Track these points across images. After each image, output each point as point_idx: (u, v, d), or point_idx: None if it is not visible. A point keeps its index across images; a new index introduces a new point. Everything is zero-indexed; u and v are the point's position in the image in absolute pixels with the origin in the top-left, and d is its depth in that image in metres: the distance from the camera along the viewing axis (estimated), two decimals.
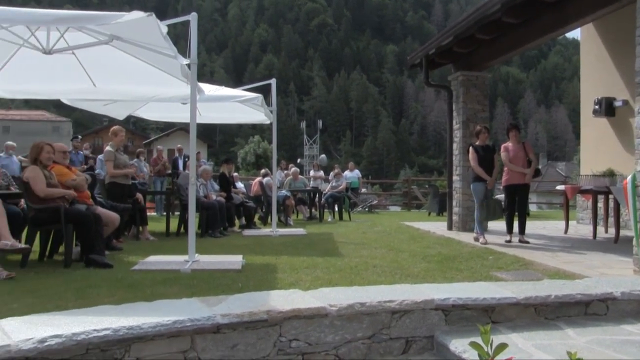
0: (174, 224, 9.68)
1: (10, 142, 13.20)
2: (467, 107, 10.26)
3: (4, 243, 5.05)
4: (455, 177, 10.54)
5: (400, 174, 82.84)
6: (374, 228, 11.04)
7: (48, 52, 6.22)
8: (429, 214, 16.56)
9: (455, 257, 6.71)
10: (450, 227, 10.52)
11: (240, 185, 13.61)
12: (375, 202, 20.26)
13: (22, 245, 5.39)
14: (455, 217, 10.46)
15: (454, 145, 10.59)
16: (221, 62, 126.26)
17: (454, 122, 10.61)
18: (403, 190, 24.07)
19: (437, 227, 10.85)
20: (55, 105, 59.71)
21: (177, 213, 11.01)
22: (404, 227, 11.08)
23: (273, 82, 9.65)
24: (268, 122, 10.46)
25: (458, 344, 3.48)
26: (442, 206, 14.81)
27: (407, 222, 12.28)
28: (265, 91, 9.46)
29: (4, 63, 6.95)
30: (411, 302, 3.82)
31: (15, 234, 5.57)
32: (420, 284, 4.58)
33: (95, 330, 2.98)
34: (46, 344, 2.83)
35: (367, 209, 18.41)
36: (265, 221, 12.24)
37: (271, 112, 9.79)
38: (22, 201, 6.24)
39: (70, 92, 8.00)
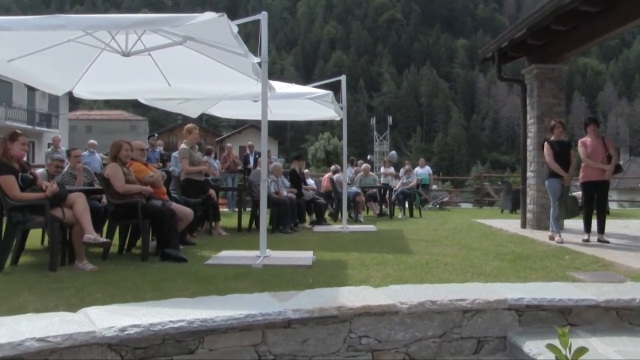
0: (245, 220, 9.85)
1: (92, 141, 13.82)
2: (542, 101, 9.93)
3: (87, 237, 5.29)
4: (529, 174, 10.23)
5: (472, 170, 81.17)
6: (445, 225, 10.88)
7: (127, 54, 6.48)
8: (502, 211, 16.15)
9: (529, 256, 6.52)
10: (524, 225, 10.22)
11: (310, 181, 13.70)
12: (446, 198, 19.93)
13: (104, 239, 5.63)
14: (529, 215, 10.16)
15: (528, 141, 10.28)
16: (291, 59, 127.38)
17: (528, 116, 10.29)
18: (475, 186, 23.62)
19: (510, 224, 10.57)
20: (133, 105, 61.97)
21: (248, 209, 11.19)
22: (475, 225, 10.87)
23: (343, 78, 9.67)
24: (338, 118, 10.48)
25: (532, 346, 3.39)
26: (515, 203, 14.42)
27: (479, 220, 12.03)
28: (335, 88, 9.49)
29: (88, 67, 7.31)
30: (483, 302, 3.75)
31: (97, 228, 5.84)
32: (492, 283, 4.49)
33: (171, 321, 3.09)
34: (126, 332, 2.96)
35: (437, 206, 18.14)
36: (335, 217, 12.29)
37: (341, 108, 9.81)
38: (104, 197, 6.52)
39: (147, 92, 8.31)
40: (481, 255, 6.60)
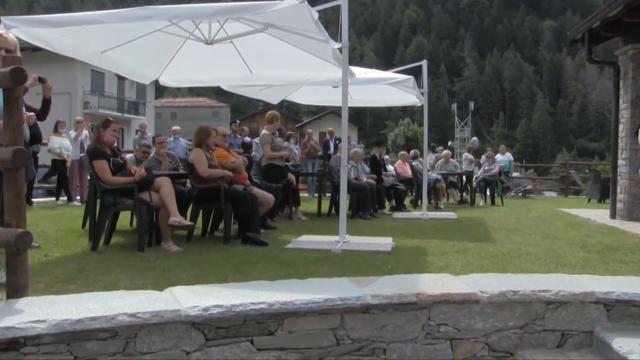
0: (325, 205, 9.91)
1: (176, 127, 14.29)
2: (637, 85, 9.36)
3: (173, 220, 5.49)
4: (620, 161, 9.71)
5: (557, 157, 77.90)
6: (528, 214, 10.55)
7: (210, 42, 6.65)
8: (589, 200, 15.49)
9: (619, 248, 6.20)
10: (613, 216, 9.74)
11: (390, 168, 13.63)
12: (529, 186, 19.29)
13: (188, 222, 5.81)
14: (619, 205, 9.66)
15: (620, 127, 9.75)
16: (371, 45, 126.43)
17: (621, 101, 9.75)
18: (560, 174, 22.66)
19: (598, 214, 10.11)
20: (216, 92, 63.62)
21: (328, 194, 11.27)
22: (560, 214, 10.47)
23: (424, 63, 9.51)
24: (419, 104, 10.34)
25: (623, 343, 3.23)
26: (604, 193, 13.81)
27: (564, 209, 11.58)
28: (415, 73, 9.35)
29: (173, 56, 7.55)
30: (568, 294, 3.60)
31: (182, 211, 6.03)
32: (578, 275, 4.30)
33: (252, 303, 3.15)
34: (209, 312, 3.05)
35: (520, 194, 17.60)
36: (415, 204, 12.16)
37: (422, 94, 9.67)
38: (188, 181, 6.74)
39: (229, 79, 8.49)
40: (566, 245, 6.35)
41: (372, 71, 9.37)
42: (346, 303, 3.29)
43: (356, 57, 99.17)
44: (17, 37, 4.57)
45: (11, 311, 2.99)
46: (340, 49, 5.98)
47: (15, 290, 3.30)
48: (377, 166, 11.05)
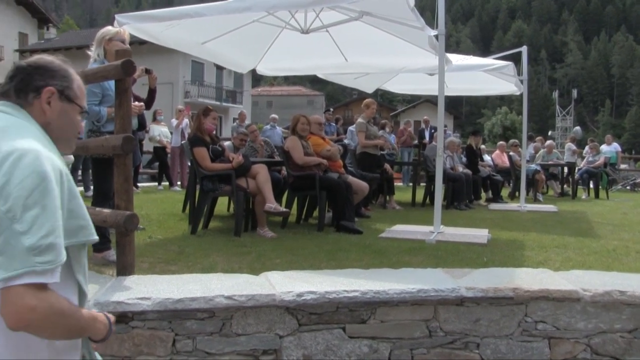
0: (419, 195, 9.80)
1: (273, 115, 14.57)
2: None
3: (269, 206, 5.61)
4: None
5: None
6: (637, 209, 9.93)
7: (305, 31, 6.71)
8: None
9: None
10: None
11: (487, 158, 13.25)
12: (639, 180, 18.13)
13: (283, 208, 5.92)
14: None
15: None
16: (467, 31, 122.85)
17: None
18: None
19: None
20: (311, 81, 64.29)
21: (422, 184, 11.13)
22: None
23: (524, 49, 9.14)
24: (518, 92, 9.97)
25: None
26: None
27: None
28: (514, 60, 9.01)
29: (269, 45, 7.70)
30: None
31: (277, 198, 6.16)
32: None
33: (345, 290, 3.18)
34: (303, 298, 3.11)
35: (628, 187, 16.57)
36: (512, 196, 11.76)
37: (521, 81, 9.31)
38: (284, 168, 6.86)
39: (324, 67, 8.55)
40: None
41: (468, 58, 9.12)
42: (440, 295, 3.25)
43: (452, 45, 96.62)
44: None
45: (120, 287, 3.19)
46: (436, 36, 5.87)
47: (124, 268, 3.52)
48: (473, 156, 10.79)
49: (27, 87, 1.52)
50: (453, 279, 3.47)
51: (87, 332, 1.49)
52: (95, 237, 1.49)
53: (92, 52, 4.43)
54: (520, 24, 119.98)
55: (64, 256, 1.32)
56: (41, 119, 1.52)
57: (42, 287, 1.28)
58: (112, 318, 1.60)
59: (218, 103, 35.50)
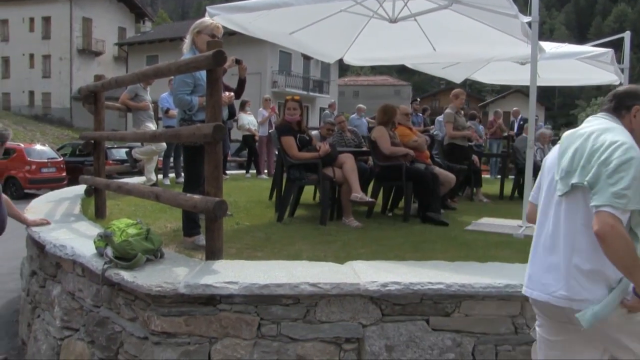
0: (507, 188, 9.53)
1: (361, 105, 14.56)
2: None
3: (355, 195, 5.62)
4: None
5: None
6: None
7: (393, 20, 6.64)
8: None
9: None
10: None
11: None
12: None
13: (369, 198, 5.92)
14: None
15: None
16: (562, 18, 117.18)
17: None
18: None
19: None
20: (397, 70, 63.61)
21: (511, 177, 10.80)
22: None
23: (626, 35, 8.62)
24: (617, 82, 9.44)
25: None
26: None
27: None
28: (614, 47, 8.53)
29: (357, 35, 7.68)
30: None
31: (363, 188, 6.16)
32: None
33: (430, 282, 3.15)
34: (387, 288, 3.10)
35: None
36: None
37: (622, 70, 8.80)
38: (370, 158, 6.84)
39: (412, 57, 8.42)
40: None
41: (563, 46, 8.72)
42: None
43: (545, 32, 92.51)
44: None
45: (209, 271, 3.31)
46: (529, 23, 5.65)
47: (213, 252, 3.64)
48: None
49: (620, 105, 2.39)
50: None
51: (635, 276, 2.07)
52: None
53: (185, 44, 4.57)
54: (622, 8, 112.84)
55: (630, 206, 2.06)
56: (628, 126, 2.34)
57: (616, 218, 2.04)
58: None
59: (305, 93, 35.88)
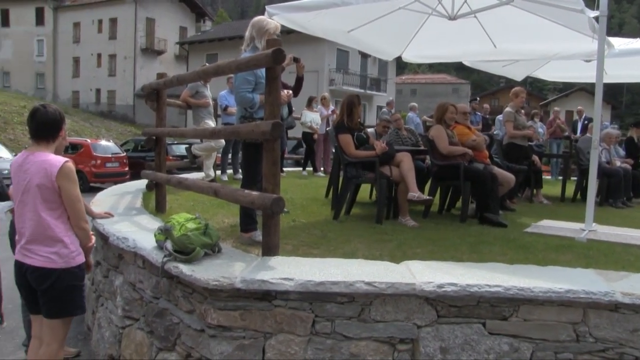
0: (569, 189, 9.25)
1: (413, 104, 14.46)
2: None
3: (411, 194, 5.58)
4: None
5: None
6: None
7: (452, 17, 6.55)
8: None
9: None
10: None
11: None
12: None
13: (426, 197, 5.86)
14: None
15: None
16: (633, 11, 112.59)
17: None
18: None
19: None
20: (456, 68, 62.72)
21: (573, 178, 10.48)
22: None
23: None
24: None
25: None
26: None
27: None
28: None
29: (415, 32, 7.62)
30: None
31: (420, 187, 6.10)
32: None
33: (487, 285, 3.09)
34: (443, 289, 3.06)
35: None
36: None
37: None
38: (427, 157, 6.77)
39: (471, 54, 8.30)
40: None
41: (634, 41, 8.38)
42: (591, 297, 3.04)
43: (614, 27, 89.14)
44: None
45: (265, 267, 3.35)
46: (596, 18, 5.44)
47: (269, 248, 3.68)
48: (634, 149, 9.95)
49: None
50: (606, 282, 3.23)
51: None
52: None
53: (245, 42, 4.62)
54: None
55: None
56: None
57: None
58: None
59: (362, 91, 35.81)
